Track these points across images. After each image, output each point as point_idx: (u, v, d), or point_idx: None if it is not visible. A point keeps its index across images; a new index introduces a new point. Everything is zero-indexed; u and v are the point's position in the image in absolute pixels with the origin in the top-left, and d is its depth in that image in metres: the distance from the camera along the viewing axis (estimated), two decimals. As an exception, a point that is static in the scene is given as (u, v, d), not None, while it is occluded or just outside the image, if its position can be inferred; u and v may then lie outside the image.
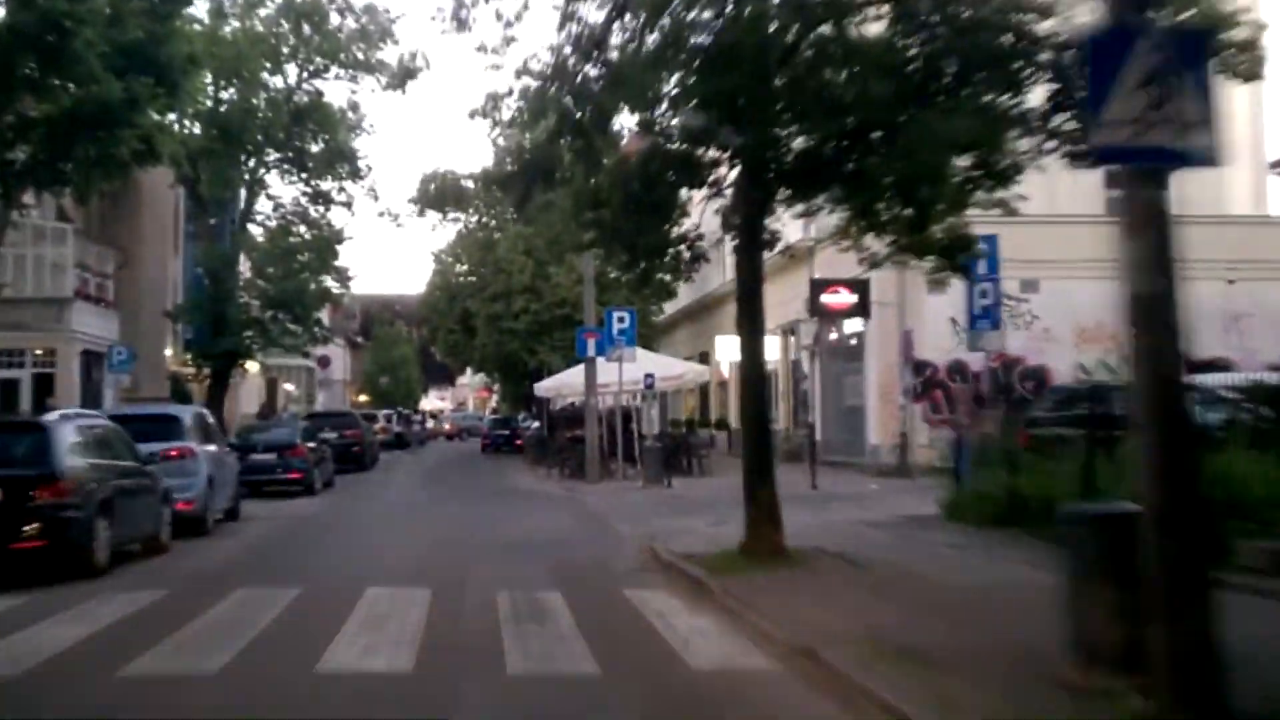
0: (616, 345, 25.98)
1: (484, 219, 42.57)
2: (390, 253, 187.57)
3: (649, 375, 26.97)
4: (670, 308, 44.38)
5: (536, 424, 43.15)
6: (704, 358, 38.35)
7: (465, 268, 40.71)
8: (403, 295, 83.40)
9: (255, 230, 43.35)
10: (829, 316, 27.49)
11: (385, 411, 52.34)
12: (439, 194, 41.07)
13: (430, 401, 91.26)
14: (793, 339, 33.72)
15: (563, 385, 30.77)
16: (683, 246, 14.21)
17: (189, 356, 42.83)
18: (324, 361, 46.90)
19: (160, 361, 43.64)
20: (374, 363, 71.07)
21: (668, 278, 14.65)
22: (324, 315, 63.05)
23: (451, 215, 41.86)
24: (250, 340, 40.39)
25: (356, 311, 79.44)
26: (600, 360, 27.27)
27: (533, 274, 38.70)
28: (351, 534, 17.14)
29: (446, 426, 69.11)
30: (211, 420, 18.38)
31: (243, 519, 18.99)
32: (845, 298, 27.14)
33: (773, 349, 35.45)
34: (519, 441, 46.12)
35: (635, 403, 36.78)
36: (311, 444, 26.32)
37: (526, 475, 32.52)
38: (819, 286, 27.31)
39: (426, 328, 43.45)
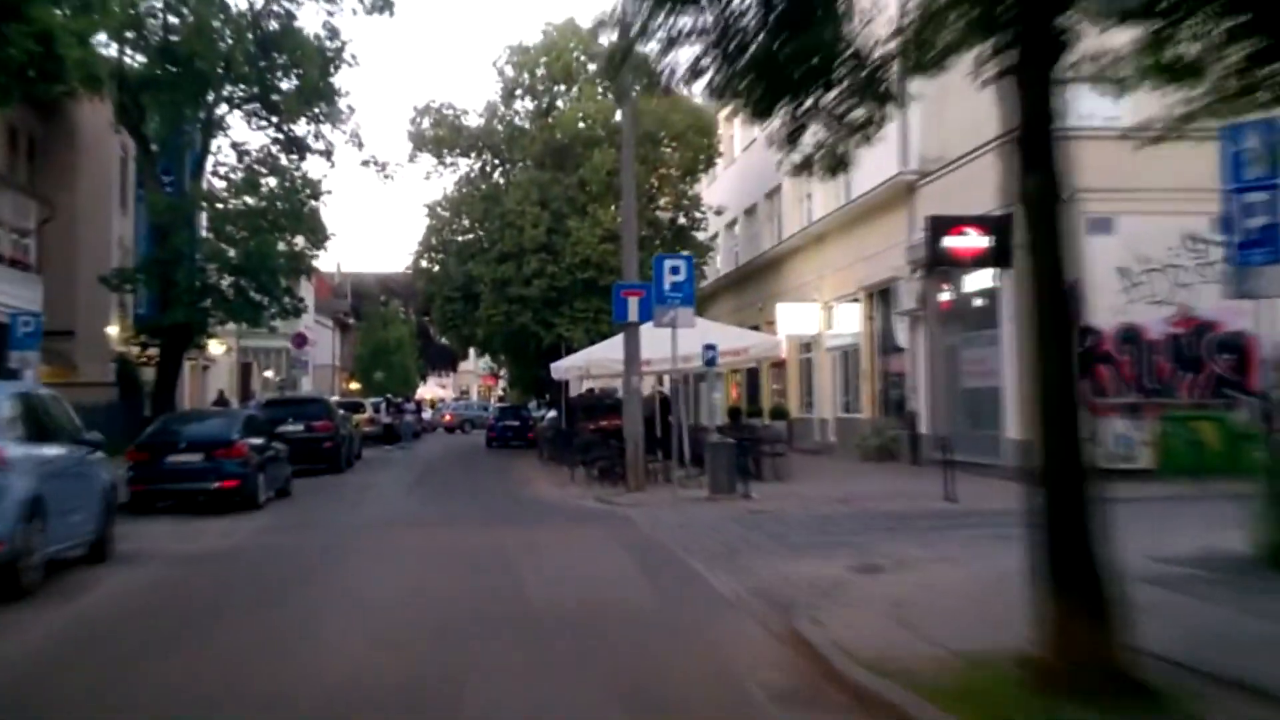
0: (668, 306, 19.43)
1: (488, 166, 35.90)
2: (385, 227, 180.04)
3: (710, 347, 20.44)
4: (709, 273, 37.79)
5: (553, 413, 36.64)
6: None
7: (466, 223, 34.02)
8: (398, 274, 76.88)
9: (218, 185, 36.81)
10: (954, 266, 20.94)
11: (373, 400, 45.73)
12: (435, 135, 34.39)
13: (430, 389, 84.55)
14: (876, 305, 27.12)
15: (591, 362, 24.19)
16: (864, 73, 7.52)
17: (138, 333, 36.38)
18: (300, 340, 40.44)
19: (103, 339, 37.29)
20: (364, 345, 64.47)
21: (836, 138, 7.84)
22: (307, 287, 56.73)
23: (449, 161, 35.17)
24: (206, 312, 33.87)
25: (348, 290, 73.00)
26: (644, 329, 20.81)
27: (548, 229, 32.16)
28: (271, 593, 10.62)
29: (445, 417, 62.37)
30: (55, 405, 11.82)
31: (120, 558, 12.54)
32: (976, 240, 20.54)
33: (850, 318, 28.91)
34: (530, 434, 39.71)
35: (664, 388, 30.47)
36: (258, 440, 19.80)
37: (544, 478, 26.03)
38: (940, 226, 20.73)
39: (420, 297, 36.75)
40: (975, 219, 20.41)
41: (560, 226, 32.20)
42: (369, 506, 19.91)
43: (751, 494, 18.21)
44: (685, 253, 31.62)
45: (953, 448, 23.45)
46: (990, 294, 21.27)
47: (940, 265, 20.73)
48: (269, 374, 56.65)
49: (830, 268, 29.52)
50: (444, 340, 76.09)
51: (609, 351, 24.09)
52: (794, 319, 30.05)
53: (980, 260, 20.35)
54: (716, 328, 23.67)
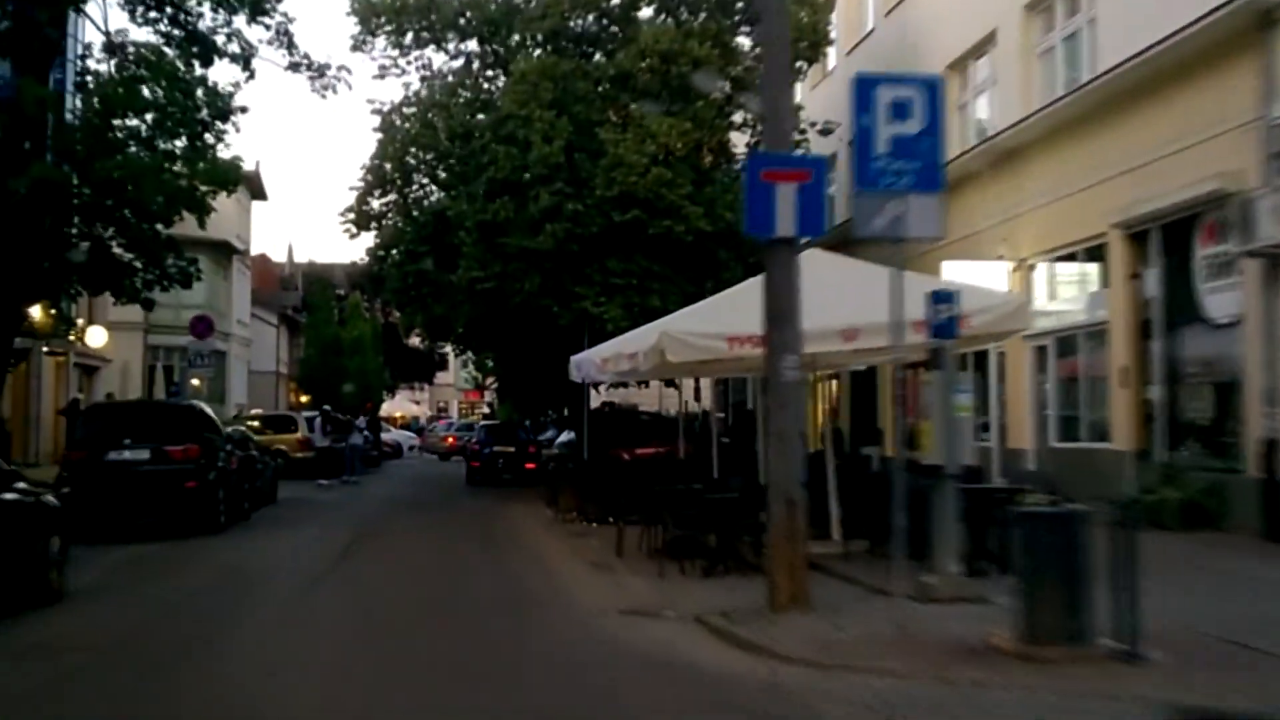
0: (888, 189, 8.84)
1: (475, 63, 25.09)
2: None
3: (943, 299, 9.83)
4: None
5: (566, 435, 25.96)
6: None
7: (439, 138, 23.17)
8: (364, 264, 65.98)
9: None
10: None
11: (307, 414, 34.69)
12: (393, 4, 23.54)
13: (400, 404, 73.27)
14: (1151, 252, 16.53)
15: (676, 337, 12.92)
16: None
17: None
18: (202, 327, 29.74)
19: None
20: (312, 345, 53.50)
21: None
22: (242, 271, 45.91)
23: (412, 47, 24.28)
24: (44, 275, 23.25)
25: (299, 282, 62.15)
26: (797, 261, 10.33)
27: (568, 145, 21.54)
28: None
29: (448, 440, 49.89)
30: None
31: None
32: None
33: (1080, 280, 18.34)
34: (532, 465, 29.01)
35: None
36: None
37: (569, 552, 15.52)
38: None
39: (367, 262, 25.40)
40: None
41: (587, 141, 21.58)
42: (186, 653, 9.07)
43: (1142, 649, 7.45)
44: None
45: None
46: None
47: None
48: (195, 383, 45.68)
49: (1032, 201, 18.96)
50: (419, 341, 65.05)
51: (708, 319, 13.47)
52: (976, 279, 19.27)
53: None
54: (917, 277, 12.86)
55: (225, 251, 44.97)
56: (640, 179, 20.88)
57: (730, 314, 13.44)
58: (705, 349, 12.92)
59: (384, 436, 45.46)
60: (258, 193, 50.31)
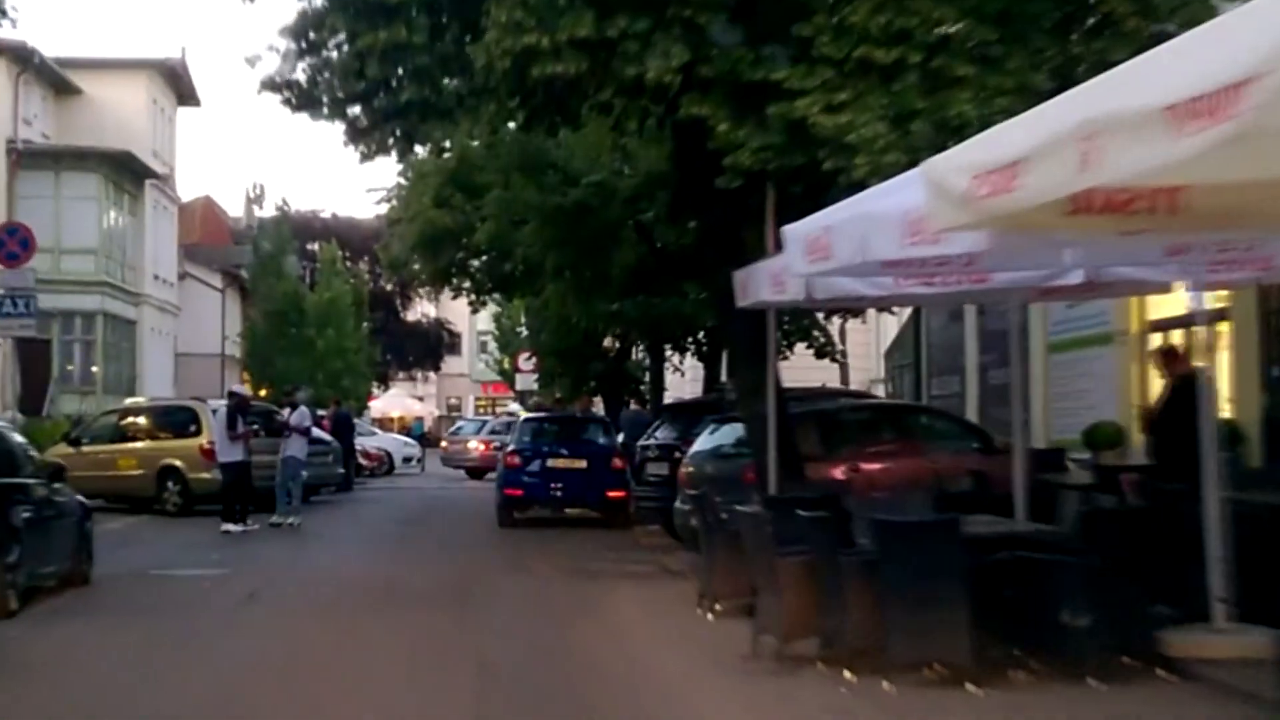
0: None
1: None
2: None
3: None
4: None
5: (714, 433, 14.12)
6: None
7: None
8: (353, 219, 54.94)
9: None
10: None
11: (216, 403, 22.03)
12: None
13: (397, 400, 60.84)
14: None
15: None
16: None
17: None
18: (14, 244, 17.90)
19: None
20: (262, 311, 41.57)
21: None
22: (164, 210, 33.60)
23: None
24: None
25: (257, 229, 50.20)
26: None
27: None
28: None
29: (480, 449, 33.51)
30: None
31: None
32: None
33: None
34: (621, 492, 17.41)
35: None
36: None
37: None
38: None
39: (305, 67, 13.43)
40: None
41: None
42: None
43: None
44: None
45: None
46: None
47: None
48: (96, 369, 33.99)
49: None
50: (422, 315, 53.12)
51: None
52: None
53: None
54: None
55: (129, 171, 32.95)
56: None
57: None
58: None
59: (364, 443, 32.98)
60: (186, 95, 38.18)
